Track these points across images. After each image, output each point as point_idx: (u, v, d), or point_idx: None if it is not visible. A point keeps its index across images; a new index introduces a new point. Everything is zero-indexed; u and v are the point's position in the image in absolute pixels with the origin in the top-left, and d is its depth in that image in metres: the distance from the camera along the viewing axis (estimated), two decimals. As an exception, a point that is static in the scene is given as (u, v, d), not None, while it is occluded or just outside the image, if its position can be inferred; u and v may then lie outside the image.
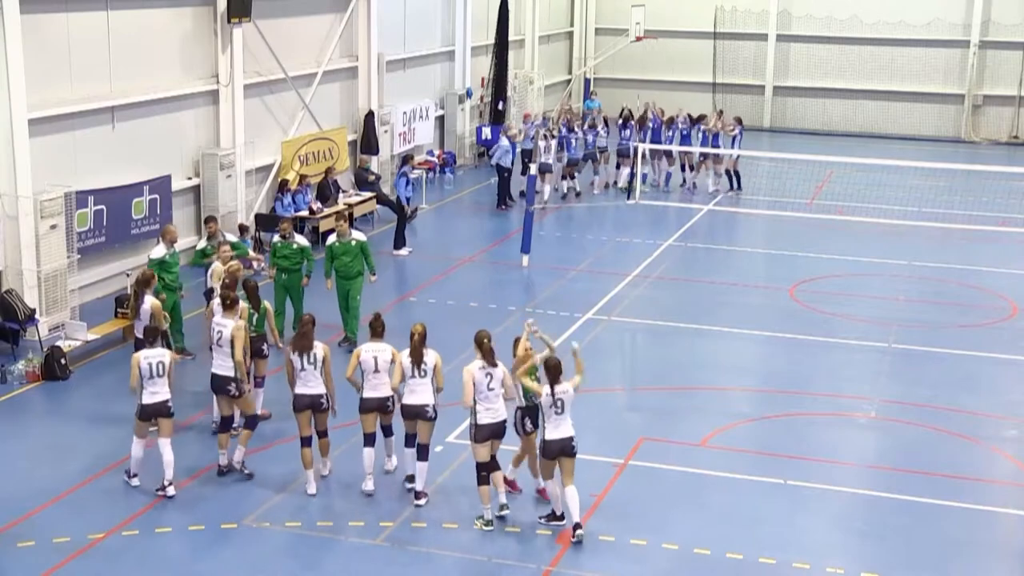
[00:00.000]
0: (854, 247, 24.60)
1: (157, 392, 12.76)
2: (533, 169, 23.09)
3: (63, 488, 12.96)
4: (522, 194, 26.65)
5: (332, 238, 17.69)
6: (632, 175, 28.69)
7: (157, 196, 20.29)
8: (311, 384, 12.83)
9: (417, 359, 12.60)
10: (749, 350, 18.55)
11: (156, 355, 12.80)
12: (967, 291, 21.78)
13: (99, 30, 19.34)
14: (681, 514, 12.77)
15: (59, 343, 16.76)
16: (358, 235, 17.79)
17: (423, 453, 12.72)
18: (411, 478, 12.95)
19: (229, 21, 21.72)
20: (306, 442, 12.96)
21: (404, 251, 23.28)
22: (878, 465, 14.35)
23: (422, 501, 12.67)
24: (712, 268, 23.05)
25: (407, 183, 23.79)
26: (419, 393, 12.64)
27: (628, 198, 28.36)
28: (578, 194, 28.82)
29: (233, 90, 22.23)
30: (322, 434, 13.13)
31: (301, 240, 17.75)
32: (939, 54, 39.42)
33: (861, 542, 12.42)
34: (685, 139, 29.70)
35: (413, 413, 12.69)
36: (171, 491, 12.72)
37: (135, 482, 12.99)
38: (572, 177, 28.90)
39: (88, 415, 15.12)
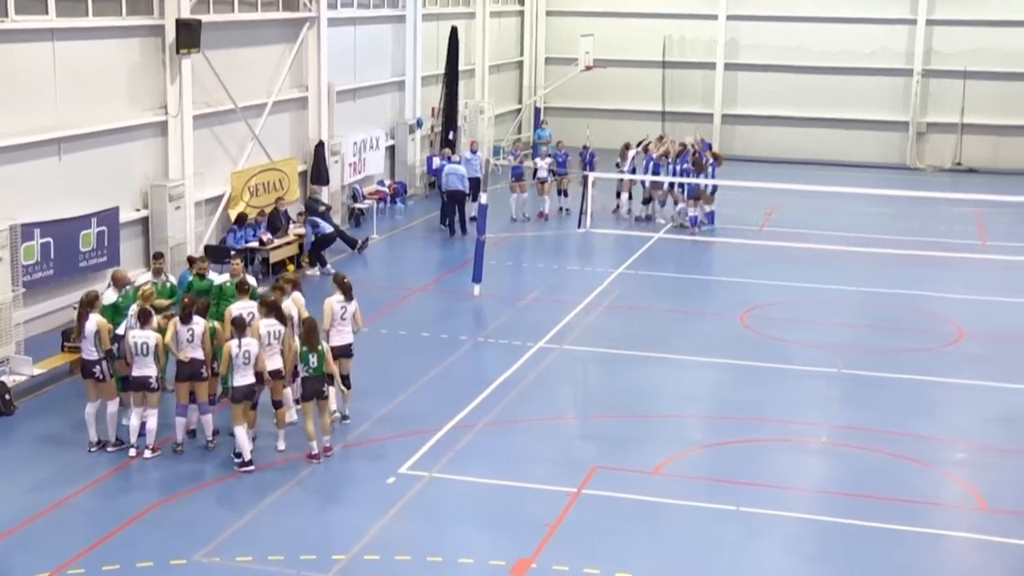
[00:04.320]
0: (803, 273, 24.81)
1: (142, 369, 14.49)
2: (484, 199, 23.07)
3: (8, 525, 12.72)
4: (472, 219, 26.64)
5: (224, 277, 16.93)
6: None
7: (105, 228, 20.07)
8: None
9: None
10: (701, 377, 18.63)
11: (142, 336, 14.50)
12: (914, 316, 22.03)
13: (45, 61, 19.16)
14: (635, 542, 12.76)
15: (3, 378, 16.47)
16: (251, 281, 16.38)
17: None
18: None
19: (178, 52, 21.58)
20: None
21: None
22: (829, 490, 14.44)
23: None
24: (663, 295, 23.15)
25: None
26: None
27: (579, 226, 28.48)
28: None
29: (182, 121, 22.08)
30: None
31: (172, 279, 17.19)
32: (884, 82, 40.06)
33: (812, 568, 12.46)
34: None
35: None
36: (147, 454, 14.53)
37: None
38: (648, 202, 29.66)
39: (33, 451, 14.87)
